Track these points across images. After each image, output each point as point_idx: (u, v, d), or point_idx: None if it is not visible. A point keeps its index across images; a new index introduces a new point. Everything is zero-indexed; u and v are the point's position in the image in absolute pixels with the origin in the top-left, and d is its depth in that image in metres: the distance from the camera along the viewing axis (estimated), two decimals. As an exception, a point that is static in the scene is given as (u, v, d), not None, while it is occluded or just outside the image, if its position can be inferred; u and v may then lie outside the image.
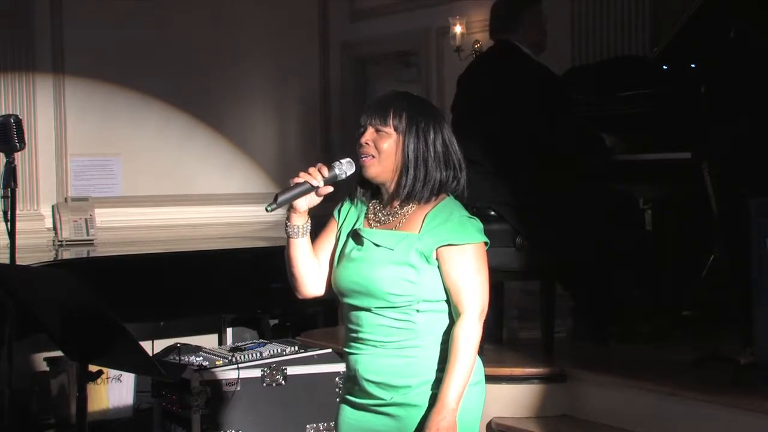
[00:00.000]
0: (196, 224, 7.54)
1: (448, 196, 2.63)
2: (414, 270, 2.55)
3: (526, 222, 4.29)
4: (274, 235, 7.64)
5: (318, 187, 2.59)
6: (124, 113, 7.37)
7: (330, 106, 8.34)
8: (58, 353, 5.27)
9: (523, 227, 4.27)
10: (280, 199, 2.56)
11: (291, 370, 4.32)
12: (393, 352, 2.58)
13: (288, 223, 2.65)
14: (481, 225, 2.62)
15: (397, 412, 2.59)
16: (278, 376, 4.28)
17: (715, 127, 4.34)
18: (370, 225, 2.67)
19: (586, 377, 4.15)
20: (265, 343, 4.68)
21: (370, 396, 2.61)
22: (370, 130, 2.60)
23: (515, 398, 4.08)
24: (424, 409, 2.56)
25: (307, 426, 4.31)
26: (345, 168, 2.62)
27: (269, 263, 6.16)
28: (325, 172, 2.60)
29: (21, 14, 6.95)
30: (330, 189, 2.62)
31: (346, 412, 2.70)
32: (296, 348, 4.56)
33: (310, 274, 2.71)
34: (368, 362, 2.60)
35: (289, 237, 2.66)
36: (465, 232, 2.58)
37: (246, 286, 6.08)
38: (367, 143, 2.60)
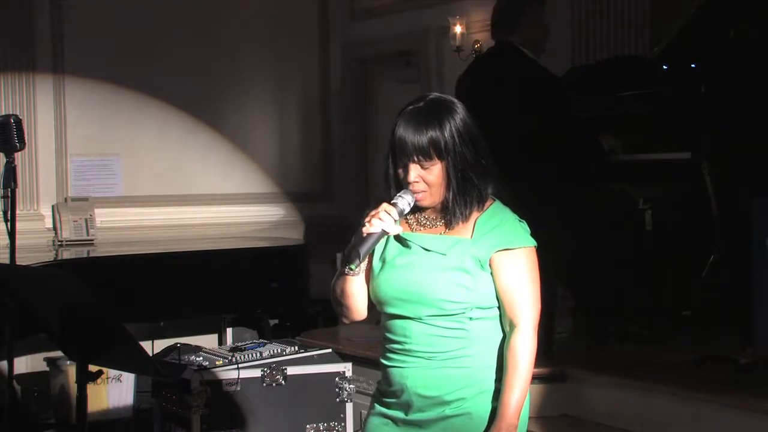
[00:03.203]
0: (196, 224, 7.53)
1: (495, 200, 2.55)
2: (469, 276, 2.46)
3: (526, 222, 4.29)
4: (274, 235, 7.65)
5: (390, 233, 2.46)
6: (124, 113, 7.36)
7: (330, 106, 8.33)
8: (58, 353, 5.27)
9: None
10: (363, 253, 2.43)
11: (291, 370, 4.32)
12: (445, 363, 2.47)
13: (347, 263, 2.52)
14: (529, 228, 2.56)
15: (449, 425, 2.49)
16: (278, 376, 4.28)
17: (715, 126, 4.34)
18: (411, 229, 2.56)
19: (586, 377, 4.16)
20: (265, 343, 4.68)
21: (419, 410, 2.51)
22: (414, 167, 2.47)
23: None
24: (479, 420, 2.48)
25: (307, 426, 4.31)
26: (408, 201, 2.48)
27: (269, 263, 6.18)
28: (394, 213, 2.45)
29: (21, 14, 6.94)
30: (400, 229, 2.50)
31: (387, 427, 2.58)
32: (296, 348, 4.56)
33: (363, 301, 2.59)
34: (419, 375, 2.49)
35: (346, 275, 2.54)
36: (520, 236, 2.51)
37: (246, 286, 6.07)
38: (416, 181, 2.47)
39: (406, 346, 2.50)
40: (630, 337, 4.61)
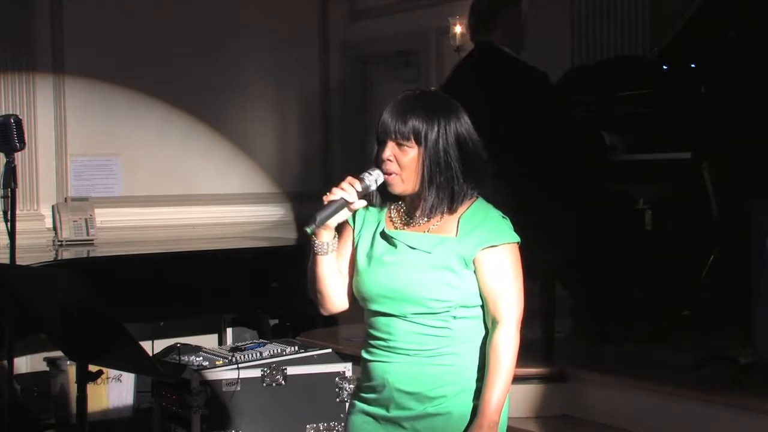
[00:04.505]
0: (196, 224, 7.54)
1: (478, 197, 2.54)
2: (454, 274, 2.46)
3: (525, 222, 4.29)
4: (274, 235, 7.66)
5: (352, 203, 2.49)
6: (124, 113, 7.37)
7: (330, 106, 8.34)
8: (58, 353, 5.27)
9: (522, 227, 4.27)
10: (319, 218, 2.46)
11: (291, 370, 4.32)
12: (429, 360, 2.47)
13: (315, 240, 2.52)
14: (511, 224, 2.56)
15: (428, 425, 2.48)
16: (278, 376, 4.28)
17: (715, 126, 4.34)
18: (395, 227, 2.56)
19: (586, 377, 4.15)
20: (265, 343, 4.68)
21: (400, 407, 2.50)
22: (391, 145, 2.49)
23: (515, 398, 4.04)
24: (458, 421, 2.48)
25: (307, 426, 4.31)
26: (375, 178, 2.50)
27: (269, 263, 6.18)
28: (357, 185, 2.48)
29: (21, 14, 6.94)
30: (364, 203, 2.52)
31: (368, 425, 2.57)
32: (296, 348, 4.56)
33: (338, 289, 2.58)
34: (401, 371, 2.49)
35: (316, 254, 2.53)
36: (504, 232, 2.51)
37: (246, 286, 6.07)
38: (389, 159, 2.48)
39: (390, 343, 2.50)
40: (630, 337, 4.61)
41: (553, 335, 4.47)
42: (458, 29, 7.03)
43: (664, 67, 4.80)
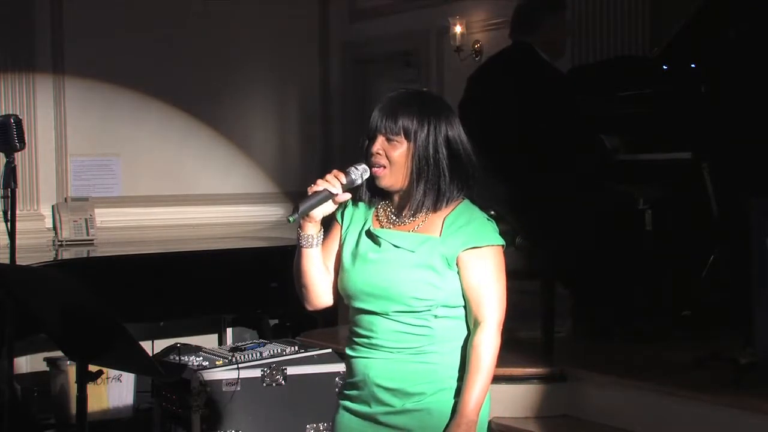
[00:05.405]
0: (196, 224, 7.54)
1: (464, 199, 2.56)
2: (437, 274, 2.48)
3: (527, 222, 4.29)
4: (274, 235, 7.65)
5: (336, 194, 2.51)
6: (124, 113, 7.37)
7: (330, 107, 8.34)
8: (58, 353, 5.27)
9: (523, 227, 4.27)
10: (302, 208, 2.49)
11: (291, 370, 4.32)
12: (410, 358, 2.49)
13: (301, 233, 2.57)
14: (497, 227, 2.57)
15: (408, 421, 2.50)
16: (278, 376, 4.28)
17: (716, 127, 4.34)
18: (381, 226, 2.58)
19: (586, 377, 4.15)
20: (265, 343, 4.68)
21: (380, 403, 2.52)
22: (381, 139, 2.51)
23: (515, 398, 4.08)
24: (438, 417, 2.49)
25: (307, 426, 4.31)
26: (361, 172, 2.53)
27: (269, 263, 6.17)
28: (342, 178, 2.50)
29: (21, 14, 6.95)
30: (348, 196, 2.53)
31: (351, 422, 2.60)
32: (296, 348, 4.56)
33: (323, 284, 2.63)
34: (382, 367, 2.51)
35: (301, 247, 2.58)
36: (488, 234, 2.52)
37: (246, 286, 6.07)
38: (378, 153, 2.51)
39: (373, 341, 2.53)
40: (631, 336, 4.60)
41: (553, 335, 4.47)
42: (458, 29, 7.03)
43: (664, 67, 4.80)
